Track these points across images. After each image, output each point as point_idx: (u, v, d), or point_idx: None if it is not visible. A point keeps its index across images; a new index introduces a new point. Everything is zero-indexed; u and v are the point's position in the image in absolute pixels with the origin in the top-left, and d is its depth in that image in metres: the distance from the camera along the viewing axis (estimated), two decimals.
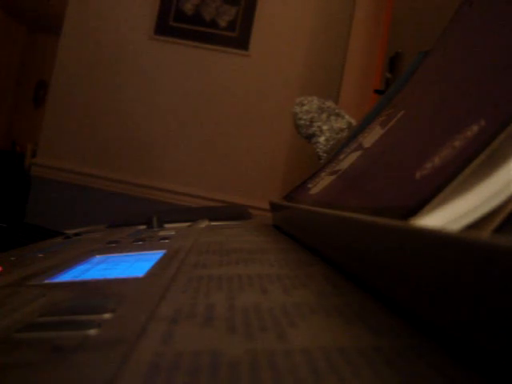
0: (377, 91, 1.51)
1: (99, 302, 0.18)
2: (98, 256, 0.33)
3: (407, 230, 0.13)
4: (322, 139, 0.89)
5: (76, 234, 0.56)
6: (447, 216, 0.15)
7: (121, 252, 0.34)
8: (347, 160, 0.38)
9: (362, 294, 0.17)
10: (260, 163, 1.88)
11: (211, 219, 0.60)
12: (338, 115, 0.92)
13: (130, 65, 1.89)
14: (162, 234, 0.45)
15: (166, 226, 0.56)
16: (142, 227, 0.56)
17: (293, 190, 0.49)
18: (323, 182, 0.40)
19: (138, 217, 0.66)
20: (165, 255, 0.30)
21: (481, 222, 0.14)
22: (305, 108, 0.91)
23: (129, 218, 0.72)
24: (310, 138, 0.92)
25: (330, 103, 0.93)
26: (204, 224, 0.56)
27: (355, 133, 0.46)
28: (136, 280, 0.22)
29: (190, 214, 0.68)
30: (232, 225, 0.54)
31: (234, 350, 0.12)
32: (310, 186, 0.43)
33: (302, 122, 0.91)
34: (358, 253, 0.18)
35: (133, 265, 0.28)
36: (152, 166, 1.89)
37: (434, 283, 0.11)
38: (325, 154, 0.88)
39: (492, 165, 0.15)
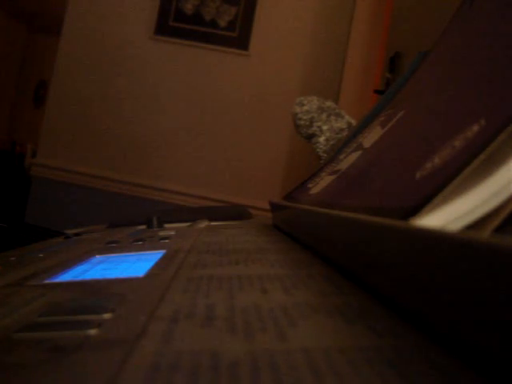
0: (377, 91, 1.51)
1: (99, 301, 0.18)
2: (98, 256, 0.33)
3: (407, 230, 0.13)
4: (321, 139, 0.89)
5: (76, 234, 0.56)
6: (447, 216, 0.15)
7: (121, 252, 0.34)
8: (347, 160, 0.38)
9: (362, 294, 0.17)
10: (260, 163, 1.88)
11: (211, 219, 0.60)
12: (338, 115, 0.92)
13: (130, 65, 1.89)
14: (161, 234, 0.45)
15: (166, 225, 0.56)
16: (142, 227, 0.56)
17: (293, 190, 0.49)
18: (323, 182, 0.40)
19: (138, 217, 0.66)
20: (165, 255, 0.30)
21: (481, 222, 0.14)
22: (305, 108, 0.91)
23: (129, 218, 0.72)
24: (309, 137, 0.92)
25: (329, 103, 0.93)
26: (204, 224, 0.56)
27: (355, 133, 0.46)
28: (136, 280, 0.22)
29: (190, 214, 0.68)
30: (232, 225, 0.54)
31: (234, 350, 0.12)
32: (310, 185, 0.43)
33: (302, 122, 0.91)
34: (357, 253, 0.18)
35: (133, 265, 0.28)
36: (152, 166, 1.89)
37: (434, 283, 0.11)
38: (325, 154, 0.88)
39: (492, 165, 0.15)
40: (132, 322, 0.15)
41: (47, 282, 0.24)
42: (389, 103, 0.42)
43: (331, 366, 0.10)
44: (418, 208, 0.16)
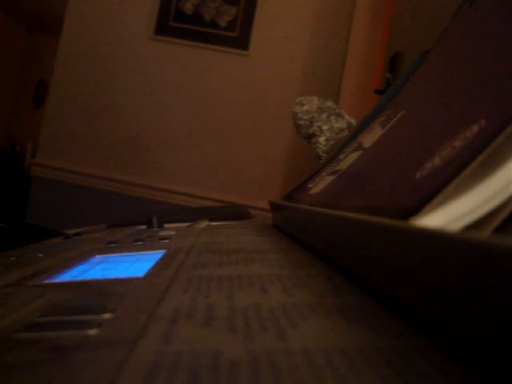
0: (377, 91, 1.51)
1: (99, 301, 0.18)
2: (98, 256, 0.33)
3: (407, 230, 0.13)
4: (322, 139, 0.89)
5: (76, 234, 0.56)
6: (447, 216, 0.15)
7: (121, 252, 0.34)
8: (347, 160, 0.38)
9: (362, 294, 0.17)
10: (260, 163, 1.88)
11: (211, 219, 0.60)
12: (338, 115, 0.92)
13: (130, 65, 1.89)
14: (161, 234, 0.45)
15: (166, 225, 0.56)
16: (142, 227, 0.56)
17: (293, 190, 0.49)
18: (323, 182, 0.40)
19: (138, 217, 0.66)
20: (165, 255, 0.30)
21: (481, 222, 0.14)
22: (305, 108, 0.91)
23: (129, 218, 0.72)
24: (309, 138, 0.92)
25: (330, 103, 0.93)
26: (204, 224, 0.56)
27: (355, 133, 0.46)
28: (136, 280, 0.22)
29: (190, 214, 0.68)
30: (232, 225, 0.54)
31: (234, 350, 0.12)
32: (310, 185, 0.43)
33: (302, 122, 0.91)
34: (358, 253, 0.18)
35: (133, 265, 0.28)
36: (152, 166, 1.89)
37: (434, 283, 0.11)
38: (325, 154, 0.88)
39: (492, 165, 0.15)
40: (132, 322, 0.15)
41: (47, 281, 0.24)
42: (389, 103, 0.42)
43: (331, 366, 0.10)
44: (418, 208, 0.16)
